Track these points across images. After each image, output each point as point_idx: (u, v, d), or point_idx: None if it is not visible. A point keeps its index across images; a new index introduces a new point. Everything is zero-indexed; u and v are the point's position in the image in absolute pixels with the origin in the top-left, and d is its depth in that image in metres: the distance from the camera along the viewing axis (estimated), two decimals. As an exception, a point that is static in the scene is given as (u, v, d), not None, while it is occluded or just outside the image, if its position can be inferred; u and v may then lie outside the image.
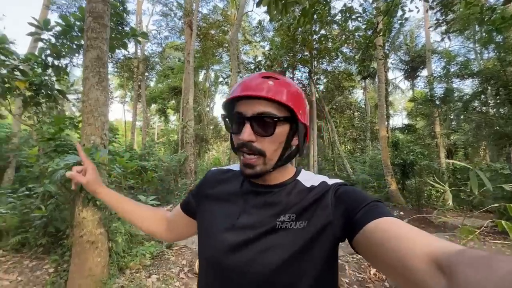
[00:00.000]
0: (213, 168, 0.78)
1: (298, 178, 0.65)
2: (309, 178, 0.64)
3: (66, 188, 2.69)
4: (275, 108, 0.56)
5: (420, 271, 0.35)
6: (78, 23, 3.50)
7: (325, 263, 0.55)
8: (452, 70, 11.02)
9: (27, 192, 3.81)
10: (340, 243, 0.57)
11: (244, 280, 0.55)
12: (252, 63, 14.67)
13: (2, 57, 3.31)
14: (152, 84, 21.54)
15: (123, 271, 3.00)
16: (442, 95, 10.63)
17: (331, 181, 0.61)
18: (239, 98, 0.59)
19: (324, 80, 16.02)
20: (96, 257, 2.50)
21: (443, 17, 4.73)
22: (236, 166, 0.73)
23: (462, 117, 10.79)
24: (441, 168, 9.51)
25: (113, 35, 3.64)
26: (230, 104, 0.63)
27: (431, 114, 11.17)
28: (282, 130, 0.58)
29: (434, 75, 11.41)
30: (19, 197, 3.86)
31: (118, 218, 3.09)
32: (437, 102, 10.65)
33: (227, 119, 0.64)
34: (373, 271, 3.42)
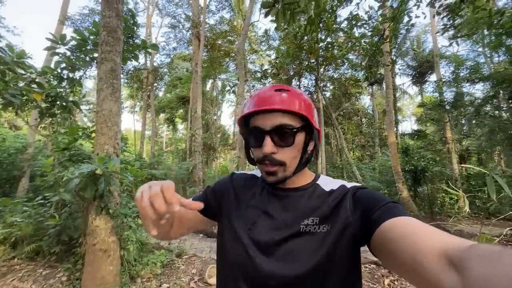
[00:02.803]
0: (238, 172, 0.79)
1: (318, 182, 0.66)
2: (328, 182, 0.66)
3: (80, 197, 2.75)
4: (291, 118, 0.59)
5: (432, 266, 0.35)
6: (92, 37, 3.64)
7: (349, 264, 0.56)
8: (461, 74, 10.86)
9: (42, 201, 3.90)
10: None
11: (274, 282, 0.55)
12: (258, 71, 14.85)
13: (21, 71, 3.46)
14: (160, 94, 21.98)
15: (134, 279, 3.01)
16: (453, 100, 10.45)
17: (349, 185, 0.63)
18: (254, 113, 0.61)
19: (331, 87, 16.01)
20: (108, 266, 2.52)
21: (451, 22, 4.71)
22: (258, 172, 0.73)
23: (474, 122, 10.52)
24: (454, 175, 9.26)
25: (124, 48, 3.77)
26: (244, 119, 0.65)
27: (442, 119, 10.97)
28: (300, 138, 0.61)
29: (443, 80, 11.26)
30: (34, 206, 3.95)
31: (130, 227, 3.12)
32: (447, 107, 10.47)
33: (244, 135, 0.67)
34: (387, 281, 3.32)
